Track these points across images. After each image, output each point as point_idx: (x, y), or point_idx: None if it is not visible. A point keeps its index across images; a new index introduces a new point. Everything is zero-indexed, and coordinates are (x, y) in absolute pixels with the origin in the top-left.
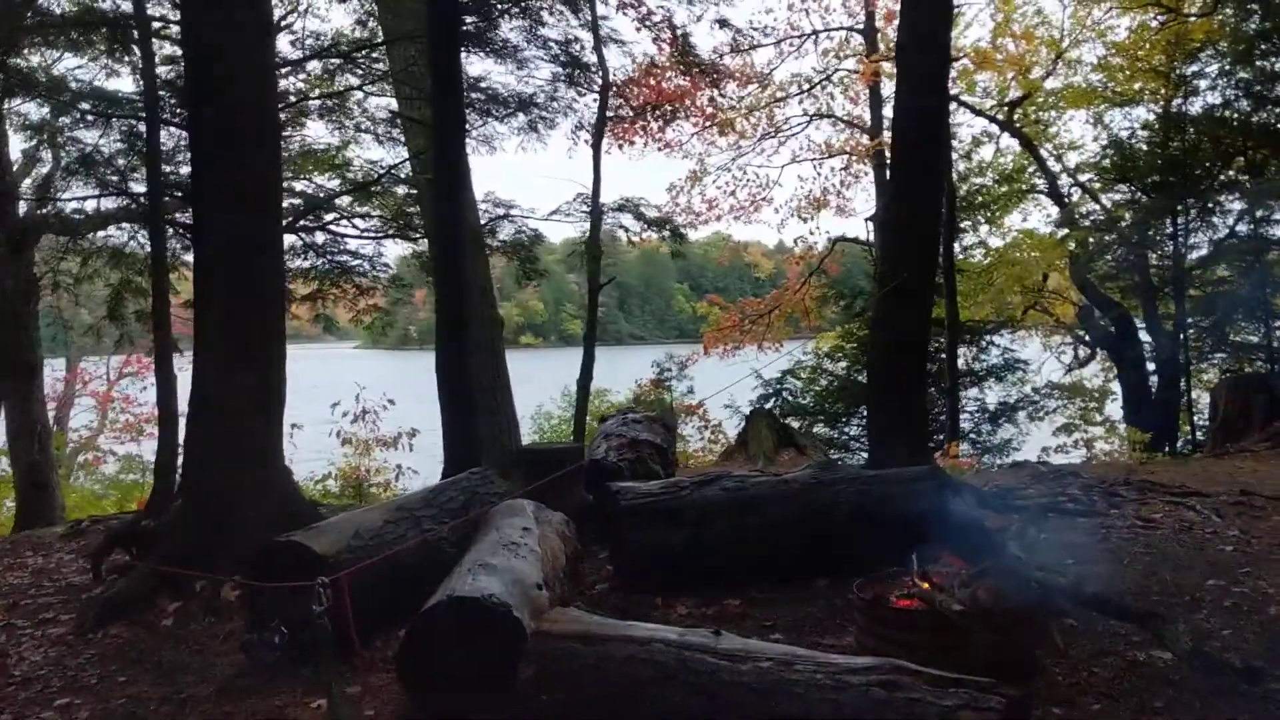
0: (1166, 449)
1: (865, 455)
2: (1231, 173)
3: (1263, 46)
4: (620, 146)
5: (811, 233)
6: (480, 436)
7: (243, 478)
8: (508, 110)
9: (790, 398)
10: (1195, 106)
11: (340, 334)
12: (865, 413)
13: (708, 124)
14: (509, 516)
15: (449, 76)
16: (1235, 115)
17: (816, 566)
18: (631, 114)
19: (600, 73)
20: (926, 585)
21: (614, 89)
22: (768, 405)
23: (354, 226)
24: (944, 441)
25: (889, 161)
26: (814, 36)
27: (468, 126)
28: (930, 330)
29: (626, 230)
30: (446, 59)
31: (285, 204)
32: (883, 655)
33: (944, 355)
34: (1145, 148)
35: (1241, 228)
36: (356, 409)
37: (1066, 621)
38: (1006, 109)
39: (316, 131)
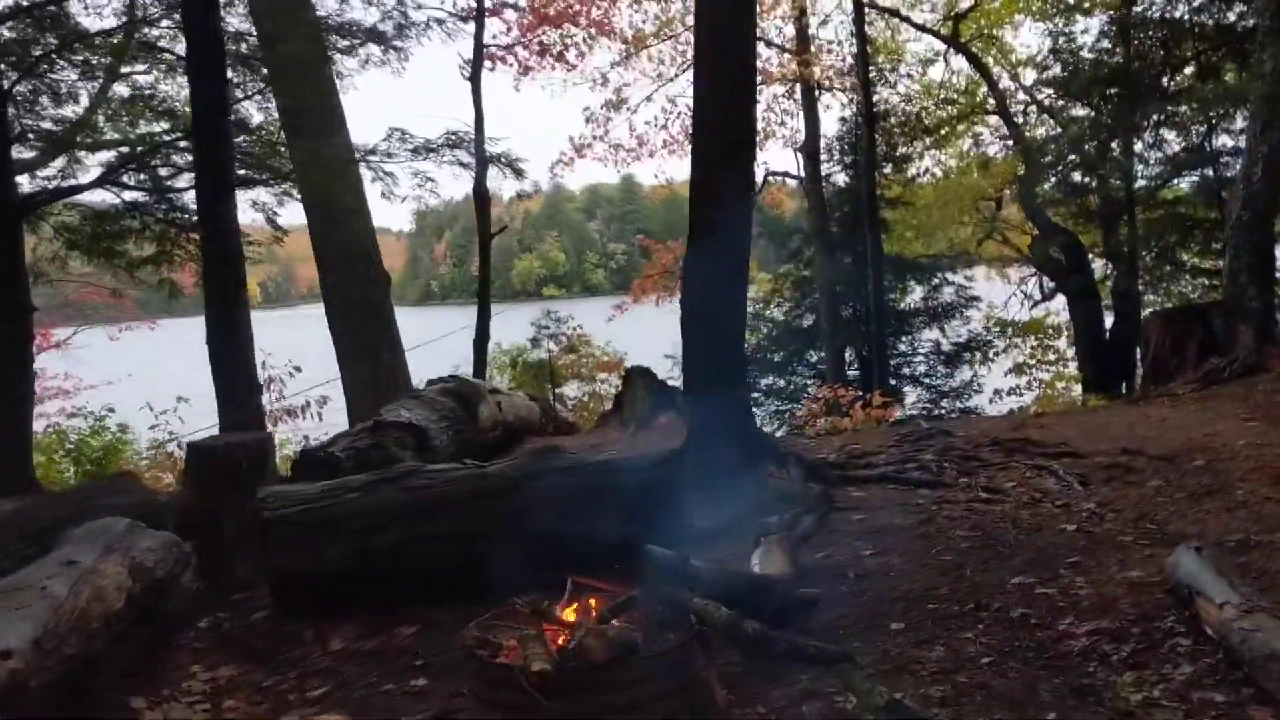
0: (1124, 389)
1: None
2: (1183, 80)
3: None
4: (520, 78)
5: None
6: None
7: None
8: (357, 41)
9: None
10: (1152, 11)
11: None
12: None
13: (624, 50)
14: (72, 545)
15: None
16: (1185, 16)
17: (523, 579)
18: (520, 38)
19: None
20: (538, 625)
21: (489, 12)
22: None
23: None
24: (866, 390)
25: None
26: None
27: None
28: (746, 263)
29: (463, 167)
30: None
31: (108, 155)
32: None
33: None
34: (1090, 57)
35: (1196, 140)
36: (263, 376)
37: (732, 666)
38: (952, 23)
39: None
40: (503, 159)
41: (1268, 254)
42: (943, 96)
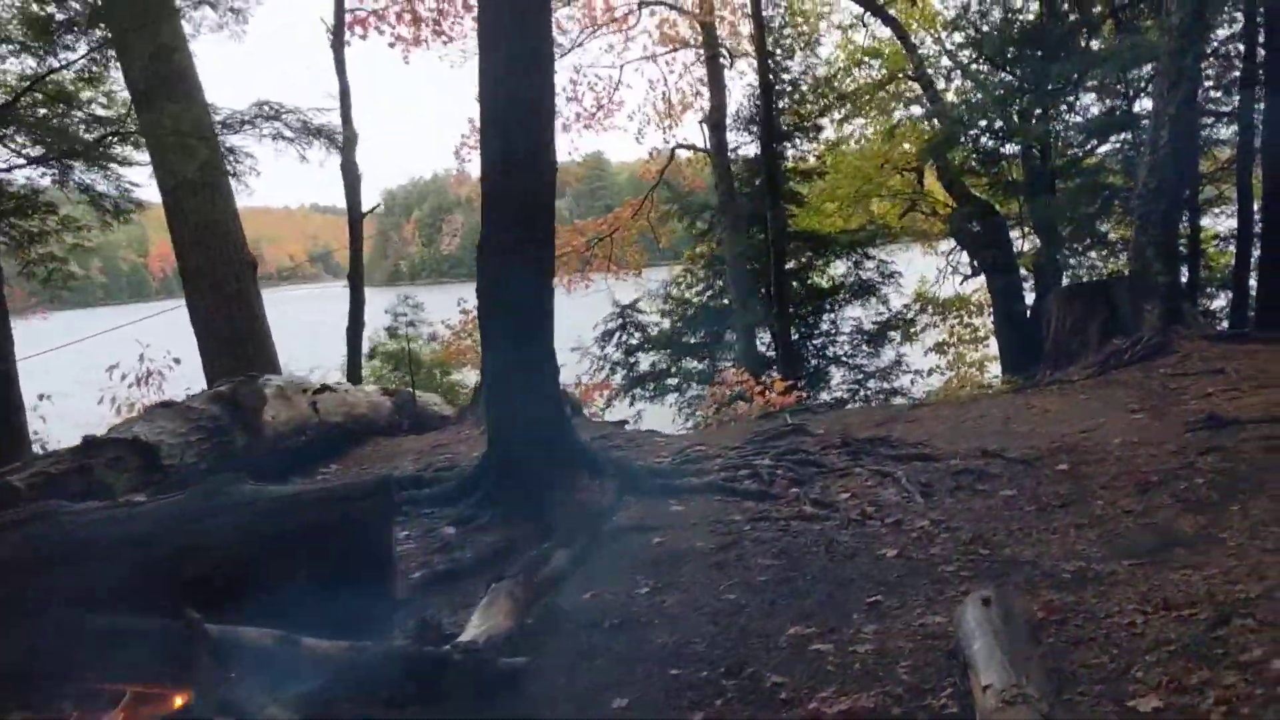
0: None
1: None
2: (1103, 41)
3: None
4: (409, 49)
5: (666, 141)
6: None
7: None
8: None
9: (635, 331)
10: None
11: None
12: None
13: None
14: None
15: None
16: None
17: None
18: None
19: None
20: None
21: None
22: (611, 341)
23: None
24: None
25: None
26: None
27: None
28: (551, 251)
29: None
30: None
31: None
32: None
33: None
34: (1001, 16)
35: (1114, 101)
36: (140, 370)
37: None
38: None
39: None
40: (322, 131)
41: (1175, 226)
42: (856, 60)
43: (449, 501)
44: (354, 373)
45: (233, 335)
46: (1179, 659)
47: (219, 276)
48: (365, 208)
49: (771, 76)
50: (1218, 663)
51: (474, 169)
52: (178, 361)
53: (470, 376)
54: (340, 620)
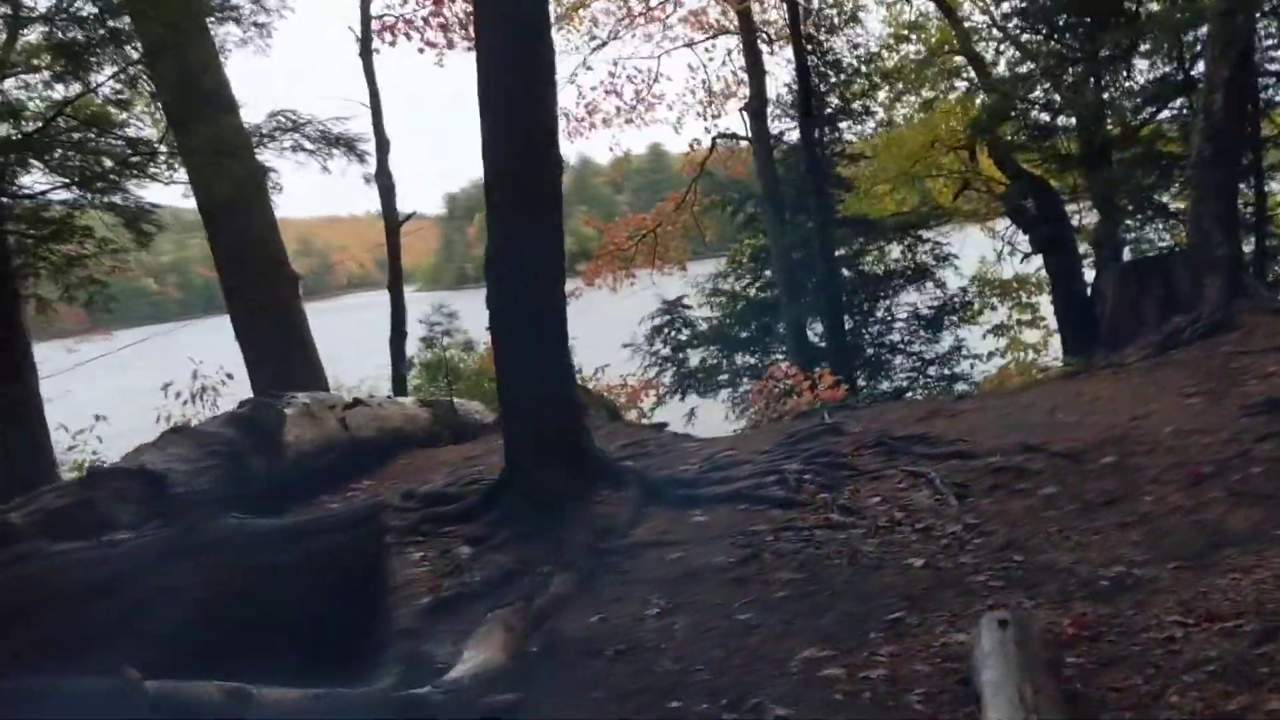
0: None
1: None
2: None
3: None
4: (444, 53)
5: (708, 130)
6: None
7: None
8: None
9: (684, 327)
10: None
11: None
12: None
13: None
14: None
15: None
16: None
17: None
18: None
19: None
20: None
21: None
22: (659, 337)
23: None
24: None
25: None
26: None
27: None
28: (560, 256)
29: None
30: None
31: None
32: None
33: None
34: None
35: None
36: (194, 387)
37: None
38: None
39: None
40: (341, 141)
41: (1234, 195)
42: (901, 37)
43: (467, 519)
44: (398, 384)
45: (276, 351)
46: (1218, 680)
47: (259, 293)
48: (406, 213)
49: (813, 58)
50: (1261, 684)
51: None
52: (230, 377)
53: None
54: (330, 659)
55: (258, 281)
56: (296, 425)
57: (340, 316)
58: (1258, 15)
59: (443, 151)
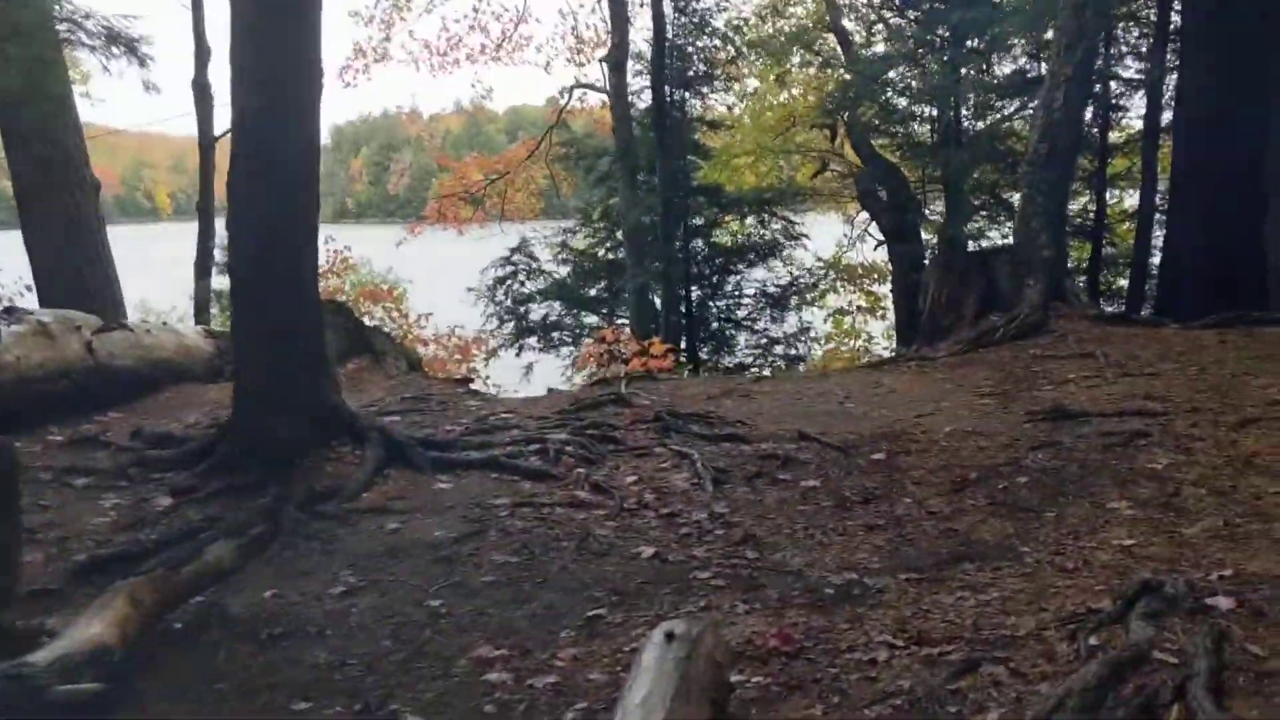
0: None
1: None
2: None
3: None
4: None
5: (576, 80)
6: None
7: None
8: None
9: (528, 278)
10: None
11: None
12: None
13: None
14: None
15: None
16: None
17: None
18: None
19: None
20: None
21: None
22: (502, 287)
23: None
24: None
25: None
26: None
27: None
28: (315, 197)
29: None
30: None
31: None
32: None
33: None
34: None
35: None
36: None
37: None
38: None
39: None
40: (120, 39)
41: (1064, 197)
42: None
43: (183, 466)
44: (199, 314)
45: (70, 264)
46: (900, 716)
47: (54, 197)
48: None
49: (678, 14)
50: None
51: (372, 95)
52: (29, 289)
53: None
54: None
55: (53, 184)
56: (21, 345)
57: (162, 244)
58: (1113, 15)
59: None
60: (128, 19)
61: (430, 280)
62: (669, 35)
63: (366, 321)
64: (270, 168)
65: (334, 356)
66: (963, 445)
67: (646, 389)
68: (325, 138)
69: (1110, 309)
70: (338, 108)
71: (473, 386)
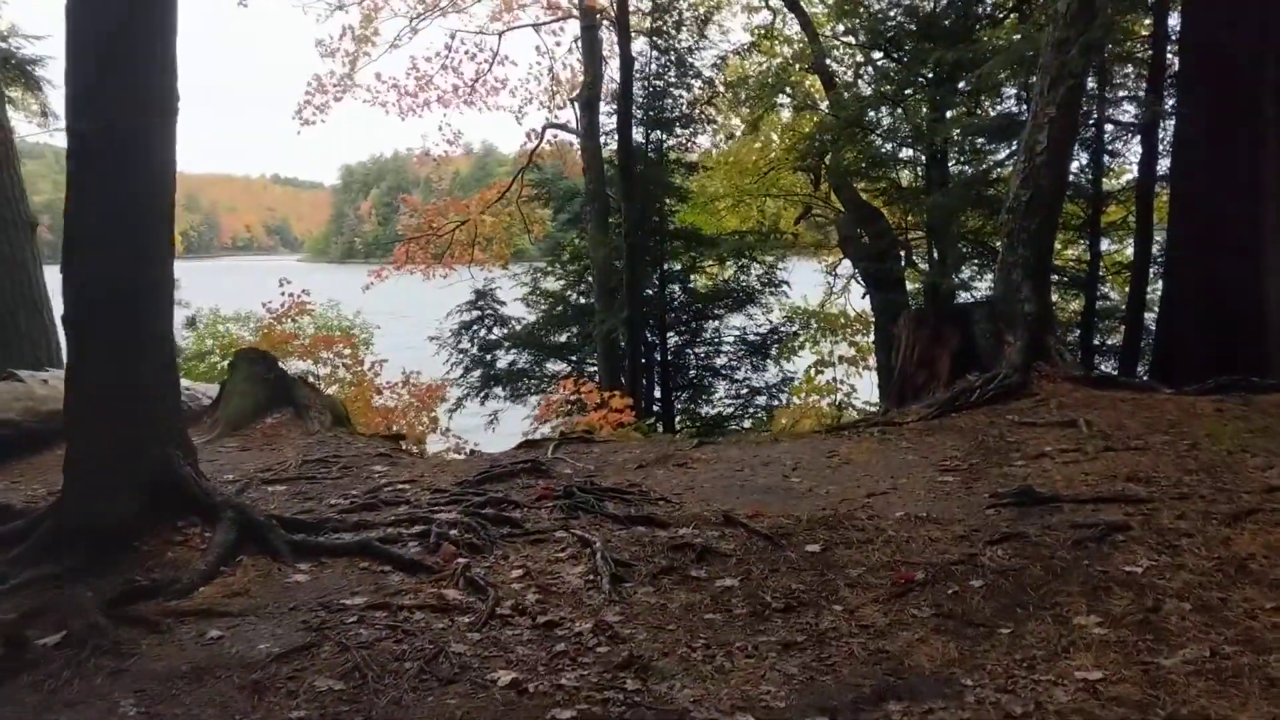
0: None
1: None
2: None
3: None
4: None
5: (547, 121)
6: None
7: None
8: None
9: (495, 325)
10: None
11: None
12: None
13: None
14: None
15: None
16: None
17: None
18: None
19: None
20: None
21: None
22: (468, 334)
23: None
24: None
25: None
26: None
27: None
28: (167, 250)
29: None
30: None
31: None
32: None
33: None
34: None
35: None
36: None
37: None
38: None
39: None
40: (10, 63)
41: (1049, 247)
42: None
43: (4, 546)
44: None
45: (3, 306)
46: None
47: None
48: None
49: (657, 53)
50: None
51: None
52: None
53: (293, 365)
54: None
55: None
56: None
57: (218, 278)
58: (1103, 53)
59: (347, 119)
60: (28, 39)
61: (407, 323)
62: (648, 74)
63: (318, 370)
64: (110, 200)
65: (252, 409)
66: (913, 535)
67: (577, 453)
68: (334, 178)
69: (1104, 367)
70: (350, 149)
71: (404, 444)
